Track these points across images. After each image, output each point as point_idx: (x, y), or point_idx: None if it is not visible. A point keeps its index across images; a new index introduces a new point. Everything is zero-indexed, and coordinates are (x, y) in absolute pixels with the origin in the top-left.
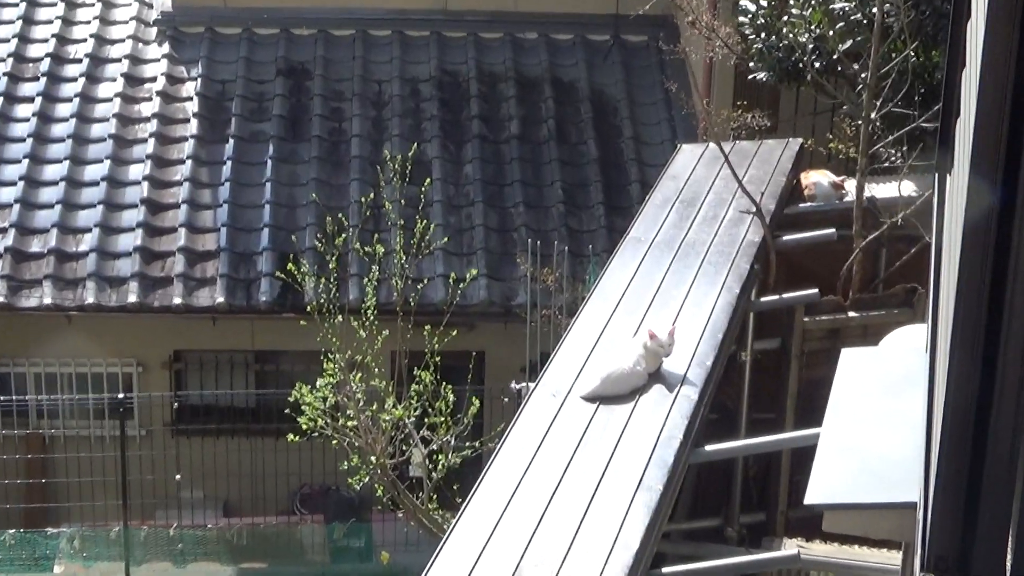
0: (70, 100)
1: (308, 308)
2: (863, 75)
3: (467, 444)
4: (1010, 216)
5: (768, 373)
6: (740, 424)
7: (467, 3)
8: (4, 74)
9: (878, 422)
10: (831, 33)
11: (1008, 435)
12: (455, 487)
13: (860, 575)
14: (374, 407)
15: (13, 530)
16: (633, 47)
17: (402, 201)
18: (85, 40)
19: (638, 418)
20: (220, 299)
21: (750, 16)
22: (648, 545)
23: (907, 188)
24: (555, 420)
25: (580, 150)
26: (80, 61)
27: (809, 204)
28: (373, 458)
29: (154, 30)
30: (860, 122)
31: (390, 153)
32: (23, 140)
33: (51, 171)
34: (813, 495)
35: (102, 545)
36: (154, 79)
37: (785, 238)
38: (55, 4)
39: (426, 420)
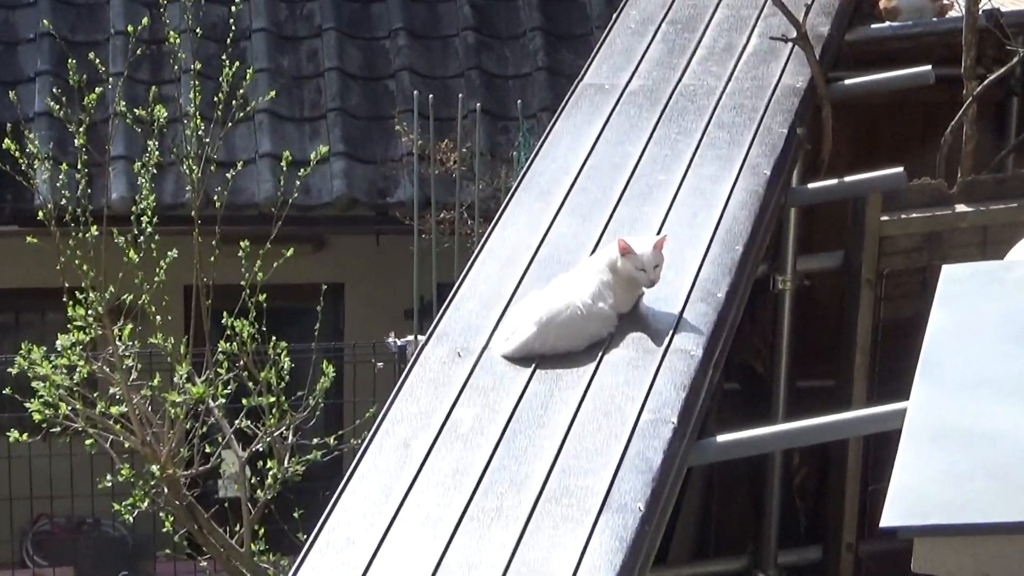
0: None
1: (39, 215)
2: None
3: (315, 441)
4: None
5: (822, 312)
6: (776, 398)
7: None
8: None
9: (1005, 390)
10: None
11: None
12: (295, 514)
13: None
14: (156, 381)
15: None
16: None
17: (198, 31)
18: None
19: (602, 391)
20: None
21: None
22: None
23: None
24: (460, 398)
25: None
26: None
27: (888, 24)
28: (156, 468)
29: None
30: None
31: None
32: None
33: None
34: (896, 513)
35: None
36: None
37: (848, 82)
38: None
39: (245, 403)
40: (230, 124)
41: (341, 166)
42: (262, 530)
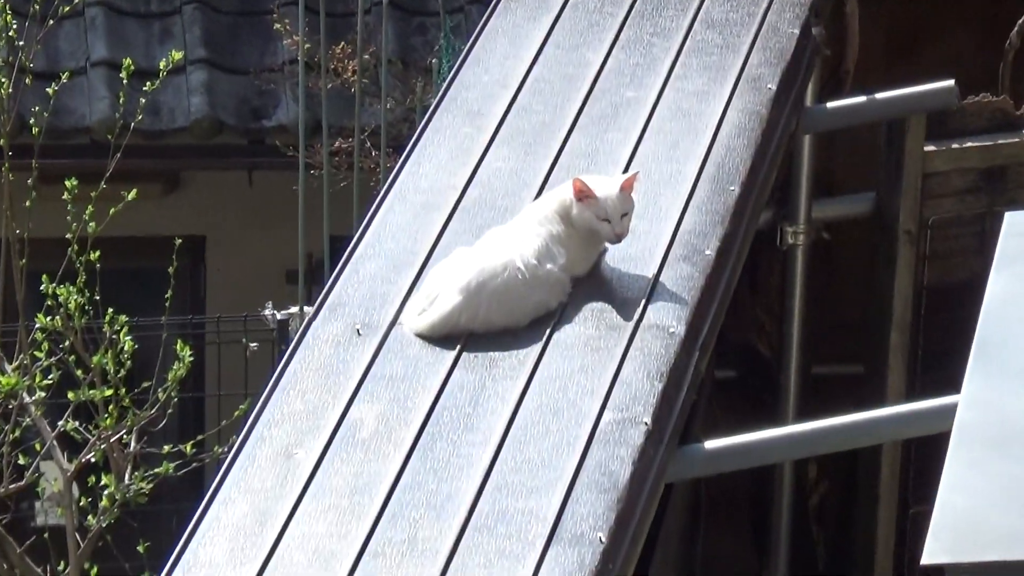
0: None
1: None
2: None
3: (166, 450)
4: None
5: (847, 274)
6: (786, 390)
7: None
8: None
9: None
10: None
11: None
12: (140, 547)
13: None
14: None
15: None
16: None
17: None
18: None
19: (551, 381)
20: None
21: None
22: None
23: None
24: (361, 391)
25: None
26: None
27: None
28: None
29: None
30: None
31: None
32: None
33: None
34: (942, 546)
35: None
36: None
37: None
38: None
39: (71, 397)
40: (51, 21)
41: (201, 78)
42: (94, 569)
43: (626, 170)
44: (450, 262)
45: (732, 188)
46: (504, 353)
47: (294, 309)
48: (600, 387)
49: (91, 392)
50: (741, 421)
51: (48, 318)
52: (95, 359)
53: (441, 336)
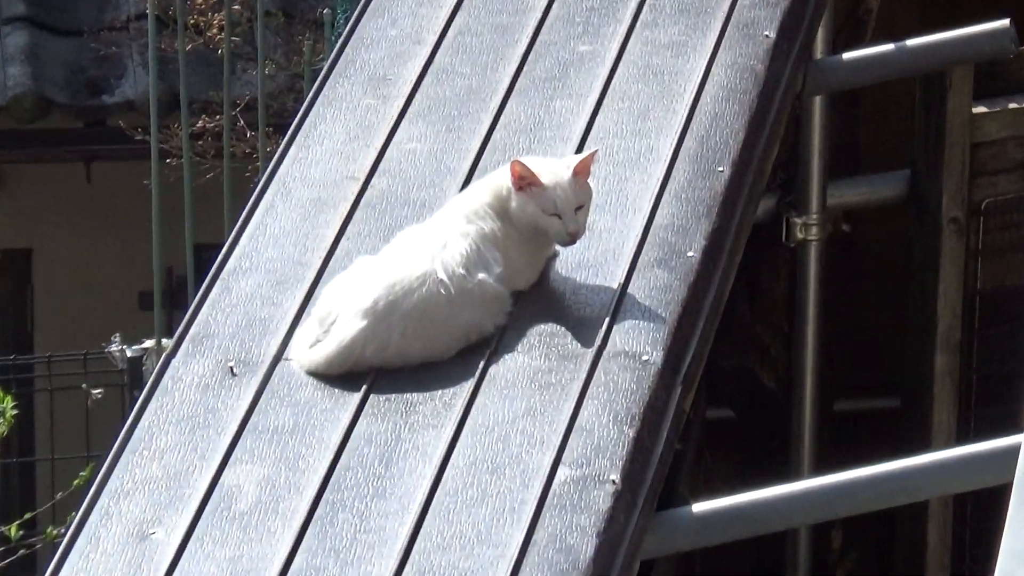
0: None
1: None
2: None
3: None
4: None
5: (875, 278)
6: (799, 431)
7: None
8: None
9: None
10: None
11: None
12: None
13: None
14: None
15: None
16: None
17: None
18: None
19: (486, 430)
20: None
21: None
22: None
23: None
24: (237, 449)
25: None
26: None
27: None
28: None
29: None
30: None
31: None
32: None
33: None
34: None
35: None
36: None
37: None
38: None
39: None
40: None
41: (20, 41)
42: None
43: (580, 149)
44: (351, 276)
45: (720, 169)
46: (424, 394)
47: (149, 343)
48: (552, 436)
49: None
50: (741, 475)
51: None
52: None
53: (341, 373)
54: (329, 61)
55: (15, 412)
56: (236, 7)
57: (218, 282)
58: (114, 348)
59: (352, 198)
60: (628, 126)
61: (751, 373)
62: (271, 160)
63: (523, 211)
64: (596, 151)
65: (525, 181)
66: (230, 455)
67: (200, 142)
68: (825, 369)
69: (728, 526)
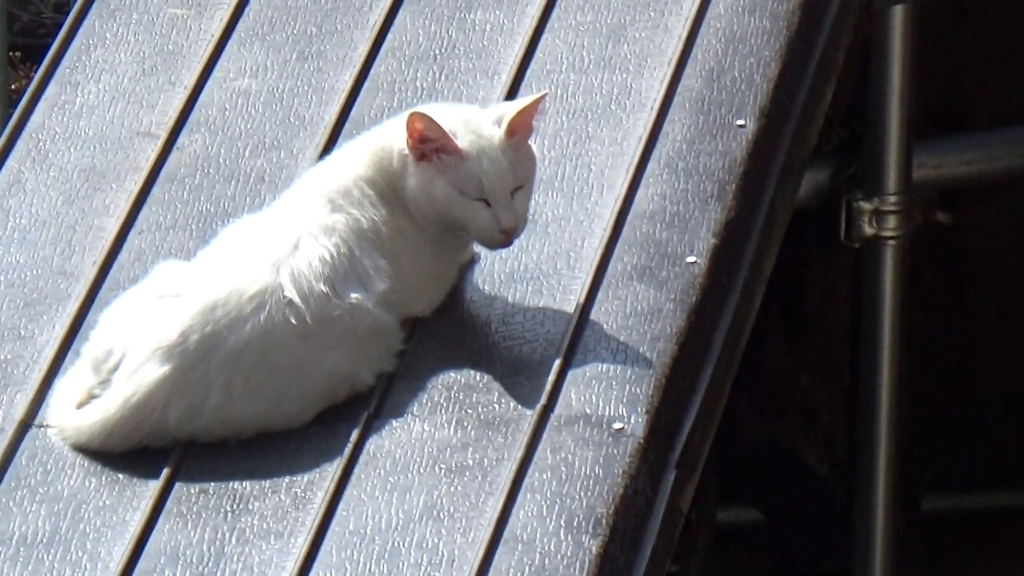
0: None
1: None
2: None
3: None
4: None
5: (992, 291)
6: (869, 541)
7: None
8: None
9: None
10: None
11: None
12: None
13: None
14: None
15: None
16: None
17: None
18: None
19: (359, 544)
20: None
21: None
22: None
23: None
24: None
25: None
26: None
27: None
28: None
29: None
30: None
31: None
32: None
33: None
34: None
35: None
36: None
37: None
38: None
39: None
40: None
41: None
42: None
43: (515, 91)
44: (145, 294)
45: (740, 123)
46: (263, 483)
47: None
48: (467, 551)
49: None
50: None
51: None
52: None
53: (129, 448)
54: None
55: None
56: None
57: None
58: None
59: (147, 168)
60: (592, 53)
61: (790, 452)
62: (17, 105)
63: (426, 193)
64: (543, 95)
65: (430, 144)
66: None
67: None
68: (909, 447)
69: None
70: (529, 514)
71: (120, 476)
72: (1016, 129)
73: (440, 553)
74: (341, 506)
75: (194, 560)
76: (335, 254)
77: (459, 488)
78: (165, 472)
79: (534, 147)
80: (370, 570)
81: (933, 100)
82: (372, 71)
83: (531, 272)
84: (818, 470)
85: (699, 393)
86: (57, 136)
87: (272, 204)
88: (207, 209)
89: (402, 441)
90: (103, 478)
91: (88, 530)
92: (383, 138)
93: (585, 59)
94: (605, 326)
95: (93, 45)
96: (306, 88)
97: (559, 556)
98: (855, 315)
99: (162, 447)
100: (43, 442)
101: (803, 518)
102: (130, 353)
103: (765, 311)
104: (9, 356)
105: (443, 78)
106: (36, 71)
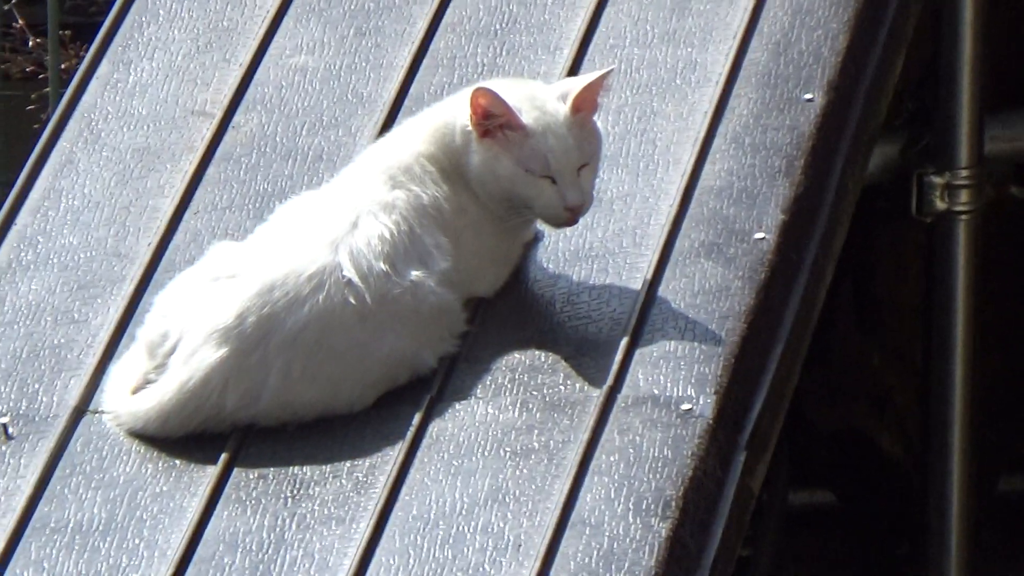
0: None
1: None
2: None
3: None
4: None
5: None
6: (944, 523)
7: None
8: None
9: None
10: None
11: None
12: None
13: None
14: None
15: None
16: None
17: None
18: None
19: (425, 527)
20: None
21: None
22: None
23: None
24: (13, 559)
25: None
26: None
27: None
28: None
29: None
30: None
31: None
32: None
33: None
34: None
35: None
36: None
37: None
38: None
39: None
40: None
41: None
42: None
43: (578, 66)
44: (201, 276)
45: (808, 97)
46: (323, 468)
47: None
48: (534, 535)
49: None
50: None
51: None
52: None
53: (186, 433)
54: None
55: None
56: None
57: None
58: None
59: (202, 147)
60: (656, 27)
61: (862, 433)
62: (69, 85)
63: (490, 170)
64: (609, 71)
65: (495, 121)
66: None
67: None
68: (984, 427)
69: None
70: (596, 497)
71: (177, 462)
72: None
73: (506, 538)
74: (404, 491)
75: (253, 547)
76: (395, 232)
77: (524, 471)
78: (223, 457)
79: (599, 123)
80: (434, 555)
81: (1006, 71)
82: (431, 47)
83: (596, 250)
84: (892, 452)
85: (768, 373)
86: (110, 116)
87: (329, 183)
88: (264, 189)
89: (466, 424)
90: (160, 464)
91: (145, 517)
92: (445, 114)
93: (649, 33)
94: (672, 304)
95: (146, 22)
96: (364, 65)
97: (628, 540)
98: (927, 292)
99: (220, 432)
100: (98, 428)
101: (877, 501)
102: (186, 336)
103: (835, 289)
104: (63, 340)
105: (504, 53)
106: (87, 50)
